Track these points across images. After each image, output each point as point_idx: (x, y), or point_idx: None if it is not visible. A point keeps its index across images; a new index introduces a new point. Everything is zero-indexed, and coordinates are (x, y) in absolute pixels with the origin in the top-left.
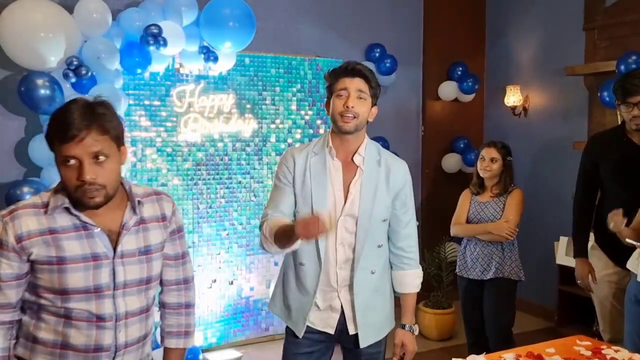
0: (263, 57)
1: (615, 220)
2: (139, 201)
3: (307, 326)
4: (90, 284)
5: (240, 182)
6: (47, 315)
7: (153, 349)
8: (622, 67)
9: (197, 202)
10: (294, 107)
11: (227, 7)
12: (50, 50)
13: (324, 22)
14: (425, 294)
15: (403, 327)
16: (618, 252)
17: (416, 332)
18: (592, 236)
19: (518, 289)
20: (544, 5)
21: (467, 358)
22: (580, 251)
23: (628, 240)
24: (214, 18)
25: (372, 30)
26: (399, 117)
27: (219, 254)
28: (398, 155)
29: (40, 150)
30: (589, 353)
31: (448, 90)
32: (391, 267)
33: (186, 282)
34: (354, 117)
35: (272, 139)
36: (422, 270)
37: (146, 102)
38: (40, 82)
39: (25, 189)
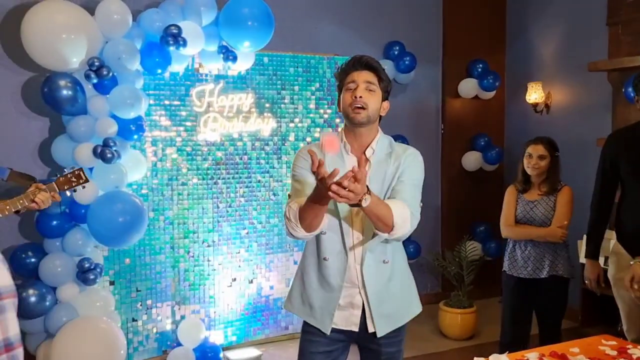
0: (282, 56)
1: None
2: None
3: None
4: None
5: (259, 181)
6: None
7: (170, 347)
8: None
9: (217, 201)
10: (312, 106)
11: (246, 6)
12: (72, 52)
13: (342, 20)
14: (446, 293)
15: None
16: None
17: (365, 203)
18: (614, 234)
19: None
20: (566, 0)
21: (490, 357)
22: (591, 252)
23: None
24: (233, 18)
25: (391, 28)
26: (418, 115)
27: (239, 252)
28: None
29: (62, 150)
30: (614, 353)
31: (468, 87)
32: None
33: None
34: (364, 108)
35: (291, 137)
36: (442, 269)
37: (166, 102)
38: (62, 83)
39: None
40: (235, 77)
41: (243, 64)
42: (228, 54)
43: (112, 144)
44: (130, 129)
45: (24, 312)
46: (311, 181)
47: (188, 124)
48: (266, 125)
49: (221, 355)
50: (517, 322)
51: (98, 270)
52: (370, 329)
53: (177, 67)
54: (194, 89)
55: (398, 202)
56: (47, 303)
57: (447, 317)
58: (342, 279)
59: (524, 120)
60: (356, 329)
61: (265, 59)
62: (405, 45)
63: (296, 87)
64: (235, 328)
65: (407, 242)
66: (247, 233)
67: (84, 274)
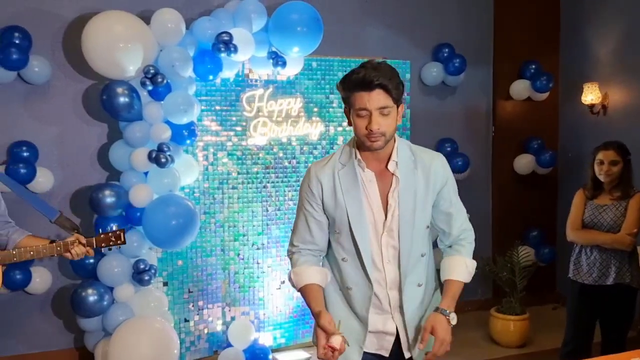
0: (330, 61)
1: None
2: None
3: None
4: None
5: None
6: None
7: (221, 347)
8: None
9: (266, 204)
10: None
11: (295, 12)
12: (129, 60)
13: (390, 23)
14: (497, 300)
15: (437, 309)
16: None
17: (453, 321)
18: None
19: None
20: None
21: None
22: None
23: None
24: (282, 24)
25: (440, 30)
26: (468, 117)
27: None
28: (468, 157)
29: (119, 155)
30: None
31: (520, 89)
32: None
33: None
34: (382, 135)
35: (339, 141)
36: (494, 274)
37: (217, 108)
38: (119, 90)
39: (107, 192)
40: (284, 82)
41: (292, 69)
42: (277, 60)
43: (166, 148)
44: (183, 134)
45: (84, 311)
46: (318, 218)
47: (238, 128)
48: (314, 130)
49: (270, 357)
50: (580, 330)
51: (152, 271)
52: (406, 355)
53: (228, 73)
54: (244, 94)
55: (456, 259)
56: (105, 302)
57: (498, 324)
58: (368, 307)
59: (580, 122)
60: (386, 354)
61: (314, 64)
62: (455, 47)
63: None
64: (284, 330)
65: None
66: None
67: (139, 274)
